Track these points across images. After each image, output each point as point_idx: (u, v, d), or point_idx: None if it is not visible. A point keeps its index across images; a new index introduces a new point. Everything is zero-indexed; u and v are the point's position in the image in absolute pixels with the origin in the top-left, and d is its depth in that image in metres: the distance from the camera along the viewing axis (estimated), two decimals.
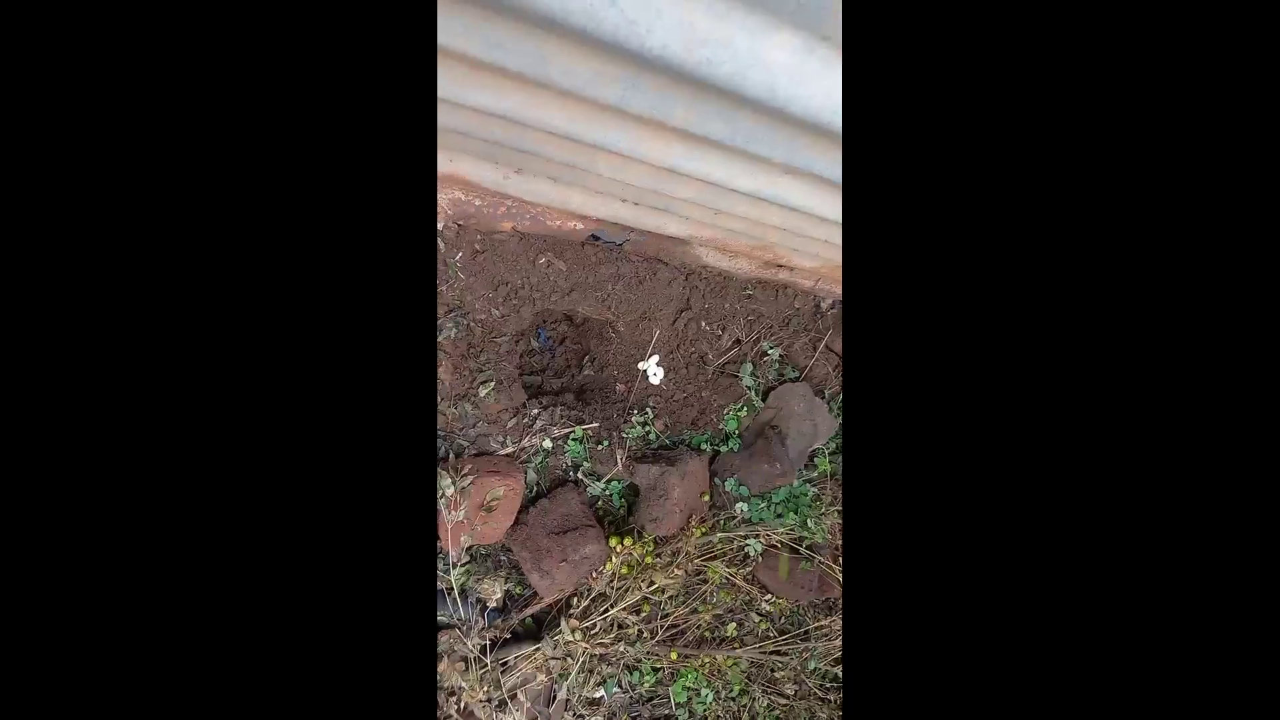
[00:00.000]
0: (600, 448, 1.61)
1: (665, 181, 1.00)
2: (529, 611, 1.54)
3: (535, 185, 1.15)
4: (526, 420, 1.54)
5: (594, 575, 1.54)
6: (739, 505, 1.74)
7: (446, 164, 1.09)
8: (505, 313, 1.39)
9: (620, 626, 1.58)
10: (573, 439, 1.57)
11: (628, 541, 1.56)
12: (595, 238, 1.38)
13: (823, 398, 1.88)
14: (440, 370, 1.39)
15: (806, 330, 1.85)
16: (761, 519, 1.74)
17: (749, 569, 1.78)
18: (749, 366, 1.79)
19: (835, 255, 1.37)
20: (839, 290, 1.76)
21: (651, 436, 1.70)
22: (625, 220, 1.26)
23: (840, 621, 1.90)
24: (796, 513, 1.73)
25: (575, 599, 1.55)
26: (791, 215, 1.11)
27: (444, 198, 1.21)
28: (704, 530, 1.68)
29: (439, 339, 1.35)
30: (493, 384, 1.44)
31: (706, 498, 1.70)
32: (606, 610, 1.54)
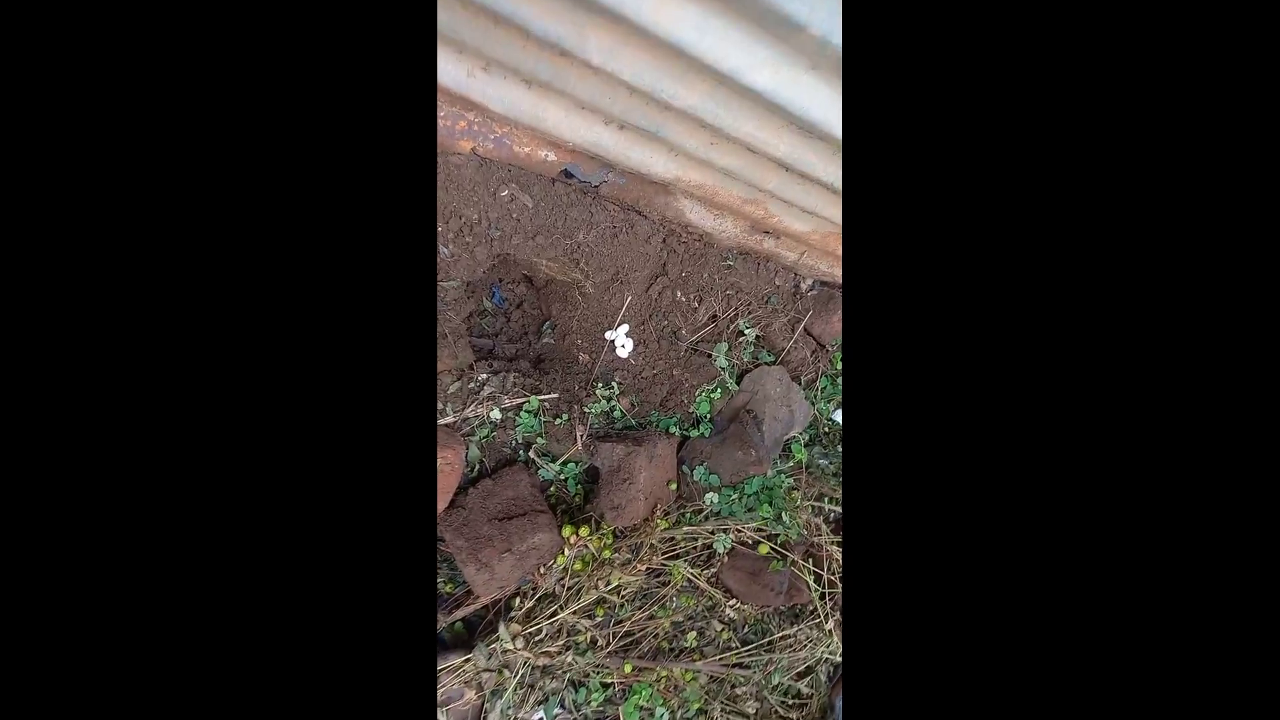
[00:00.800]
0: (557, 423, 1.41)
1: (665, 79, 0.83)
2: (460, 614, 1.31)
3: (505, 90, 0.96)
4: (473, 385, 1.32)
5: (541, 571, 1.33)
6: (708, 496, 1.57)
7: None
8: (456, 252, 1.18)
9: (570, 633, 1.37)
10: (526, 410, 1.36)
11: (584, 532, 1.35)
12: (568, 174, 1.19)
13: (799, 383, 1.74)
14: None
15: (785, 310, 1.72)
16: (732, 512, 1.58)
17: (714, 569, 1.60)
18: (724, 346, 1.64)
19: (832, 215, 1.23)
20: (823, 268, 1.64)
21: (616, 414, 1.51)
22: (606, 151, 1.09)
23: (806, 631, 1.75)
24: (770, 505, 1.57)
25: (518, 599, 1.33)
26: (799, 145, 0.96)
27: None
28: (668, 524, 1.49)
29: None
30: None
31: (674, 486, 1.52)
32: (555, 613, 1.33)
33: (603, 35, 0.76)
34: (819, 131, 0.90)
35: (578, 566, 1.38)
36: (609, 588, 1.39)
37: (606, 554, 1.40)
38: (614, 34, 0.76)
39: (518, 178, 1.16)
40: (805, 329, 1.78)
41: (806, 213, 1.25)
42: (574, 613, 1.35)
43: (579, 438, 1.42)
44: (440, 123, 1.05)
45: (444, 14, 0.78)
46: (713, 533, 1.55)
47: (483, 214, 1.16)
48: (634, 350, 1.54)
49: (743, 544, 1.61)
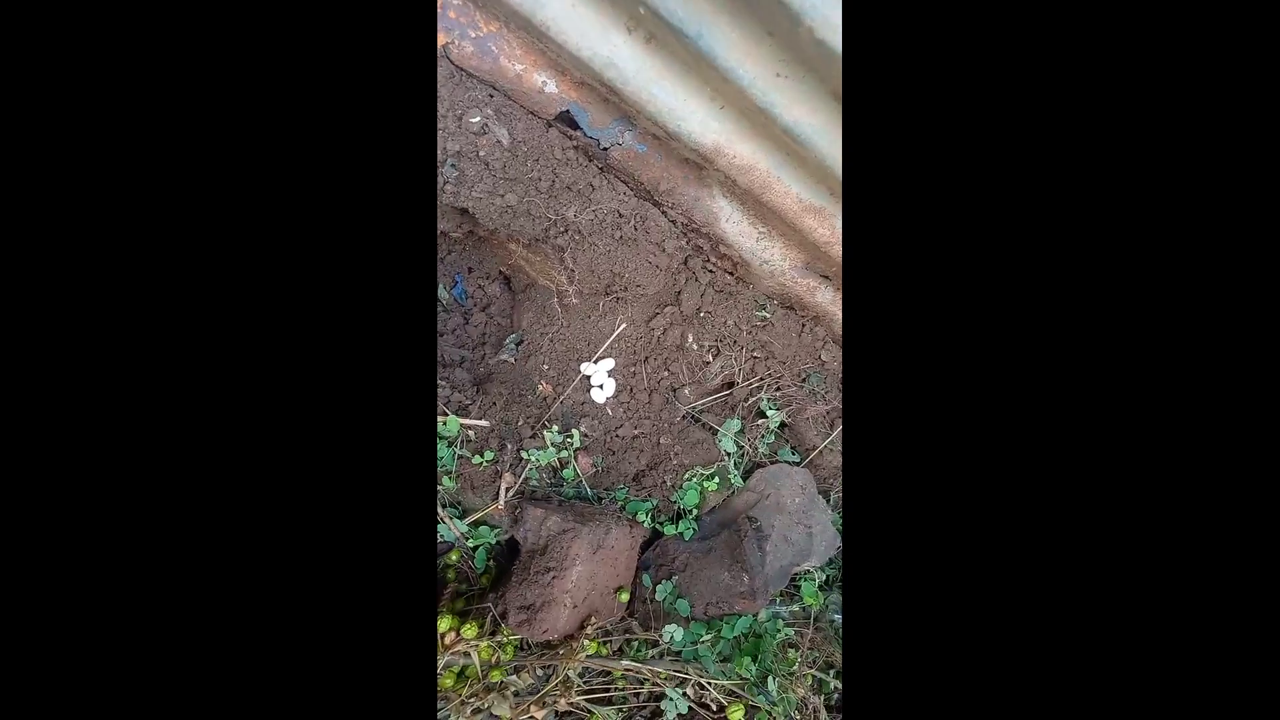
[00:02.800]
0: (478, 463, 1.00)
1: None
2: None
3: None
4: None
5: None
6: (668, 628, 1.09)
7: None
8: None
9: None
10: (442, 433, 0.96)
11: (469, 631, 0.90)
12: (570, 122, 0.87)
13: (828, 501, 1.29)
14: None
15: (826, 398, 1.30)
16: (697, 657, 1.09)
17: None
18: (736, 424, 1.23)
19: None
20: None
21: (568, 474, 1.09)
22: (624, 81, 0.76)
23: None
24: (755, 661, 1.07)
25: None
26: None
27: None
28: (600, 646, 1.02)
29: None
30: None
31: (624, 597, 1.06)
32: None
33: None
34: None
35: (447, 682, 0.91)
36: None
37: (496, 675, 0.93)
38: None
39: (498, 105, 0.84)
40: None
41: None
42: None
43: (503, 491, 1.00)
44: None
45: None
46: (665, 681, 1.06)
47: (440, 142, 0.84)
48: (615, 396, 1.15)
49: (704, 707, 1.10)
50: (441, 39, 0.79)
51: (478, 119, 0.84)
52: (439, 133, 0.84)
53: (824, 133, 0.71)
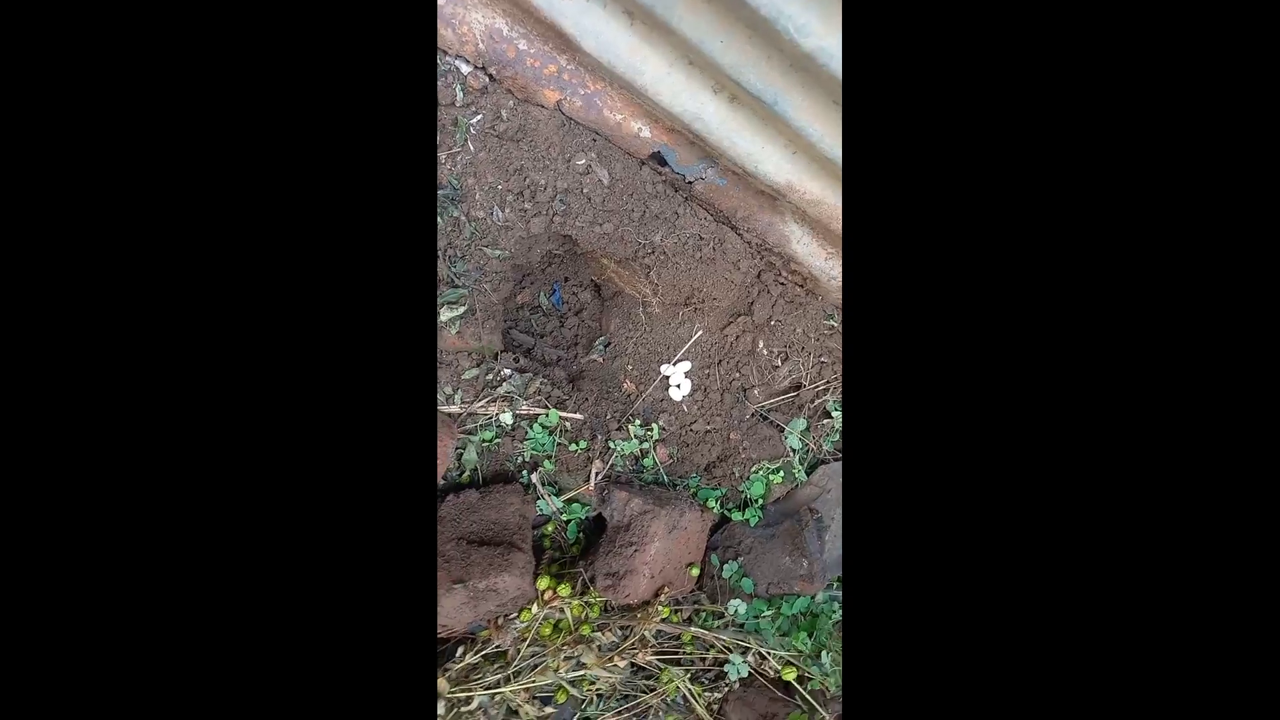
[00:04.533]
0: (573, 450, 1.17)
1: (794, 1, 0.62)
2: None
3: (602, 23, 0.79)
4: (491, 377, 1.12)
5: (499, 622, 1.06)
6: (733, 602, 1.23)
7: None
8: (511, 218, 1.01)
9: (509, 715, 1.07)
10: (542, 424, 1.14)
11: (564, 590, 1.08)
12: (661, 160, 1.00)
13: None
14: None
15: None
16: (758, 629, 1.22)
17: (720, 695, 1.23)
18: (801, 423, 1.33)
19: None
20: None
21: (648, 463, 1.24)
22: (709, 131, 0.88)
23: None
24: (810, 637, 1.20)
25: (462, 648, 1.06)
26: None
27: (479, 20, 0.86)
28: (672, 613, 1.17)
29: None
30: (463, 309, 1.04)
31: (695, 572, 1.20)
32: (499, 683, 1.04)
33: None
34: None
35: (545, 631, 1.09)
36: (576, 673, 1.08)
37: (586, 629, 1.11)
38: None
39: (600, 149, 0.98)
40: None
41: None
42: (524, 690, 1.06)
43: (593, 475, 1.17)
44: (528, 63, 0.90)
45: None
46: (728, 648, 1.20)
47: (550, 180, 0.99)
48: (690, 395, 1.28)
49: (763, 675, 1.23)
50: (554, 96, 0.94)
51: (583, 161, 0.99)
52: (551, 170, 0.99)
53: None
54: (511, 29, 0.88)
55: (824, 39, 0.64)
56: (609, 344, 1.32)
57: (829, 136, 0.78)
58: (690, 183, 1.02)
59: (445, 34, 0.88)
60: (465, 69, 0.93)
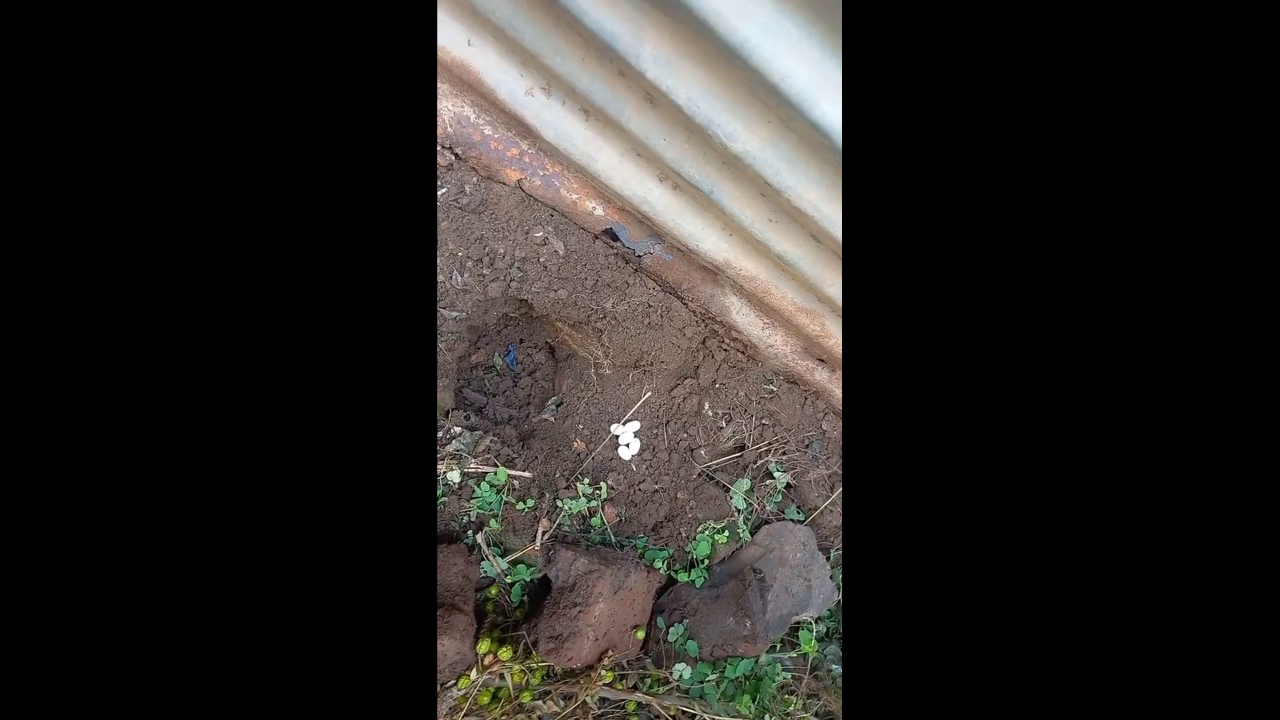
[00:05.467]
0: (520, 509, 1.18)
1: (723, 112, 0.72)
2: None
3: (560, 117, 0.89)
4: (441, 435, 1.14)
5: (437, 689, 1.02)
6: (678, 666, 1.23)
7: (463, 45, 0.84)
8: (470, 283, 1.07)
9: None
10: (489, 481, 1.15)
11: (505, 654, 1.06)
12: (613, 235, 1.09)
13: (828, 558, 1.42)
14: None
15: (827, 463, 1.46)
16: (703, 695, 1.22)
17: None
18: (746, 483, 1.38)
19: None
20: None
21: (595, 522, 1.26)
22: (656, 213, 0.98)
23: None
24: (754, 700, 1.20)
25: None
26: None
27: (448, 108, 0.95)
28: (617, 679, 1.16)
29: None
30: None
31: (640, 635, 1.20)
32: None
33: (661, 36, 0.67)
34: None
35: (483, 699, 1.06)
36: None
37: (526, 697, 1.08)
38: (673, 35, 0.67)
39: (557, 223, 1.06)
40: None
41: None
42: None
43: (540, 534, 1.18)
44: (492, 146, 0.99)
45: (506, 8, 0.73)
46: (673, 715, 1.19)
47: (510, 250, 1.06)
48: (639, 454, 1.33)
49: None
50: (516, 175, 1.03)
51: (541, 233, 1.06)
52: (510, 241, 1.06)
53: (807, 260, 0.90)
54: (478, 116, 0.97)
55: (748, 143, 0.74)
56: (561, 403, 1.36)
57: (758, 222, 0.88)
58: (640, 256, 1.11)
59: None
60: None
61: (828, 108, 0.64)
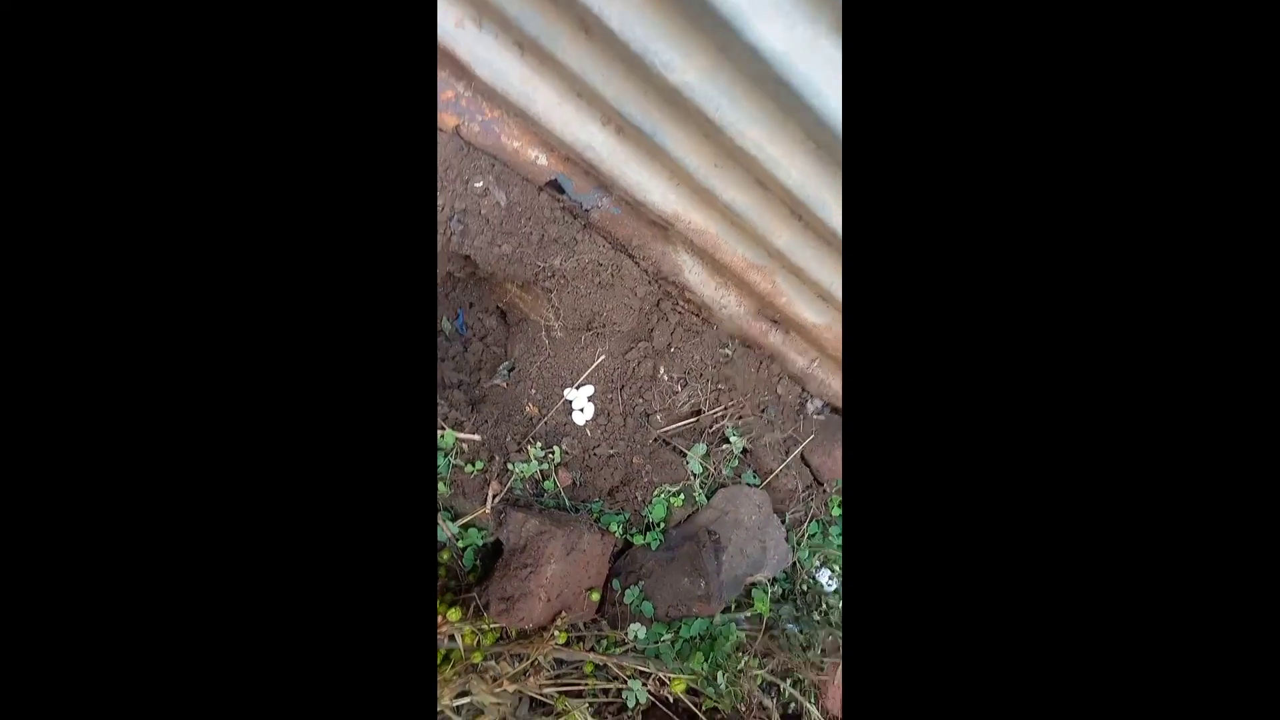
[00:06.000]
0: (470, 473, 1.15)
1: (659, 38, 0.69)
2: None
3: (494, 53, 0.85)
4: None
5: None
6: (633, 626, 1.23)
7: None
8: None
9: None
10: (439, 444, 1.12)
11: (453, 615, 1.04)
12: (558, 187, 1.05)
13: (783, 521, 1.43)
14: None
15: (783, 427, 1.46)
16: (658, 654, 1.22)
17: None
18: (701, 448, 1.38)
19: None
20: (835, 386, 1.40)
21: (549, 486, 1.24)
22: (600, 160, 0.95)
23: None
24: (708, 659, 1.21)
25: None
26: (815, 175, 0.79)
27: None
28: (574, 641, 1.15)
29: None
30: None
31: (595, 597, 1.20)
32: None
33: None
34: (840, 152, 0.73)
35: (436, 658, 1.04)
36: (462, 701, 1.03)
37: (477, 657, 1.07)
38: None
39: (498, 173, 1.03)
40: (802, 457, 1.50)
41: (820, 297, 1.06)
42: None
43: (490, 498, 1.15)
44: None
45: None
46: (628, 675, 1.19)
47: (449, 202, 1.02)
48: (593, 419, 1.31)
49: (664, 702, 1.22)
50: (453, 121, 0.99)
51: (481, 184, 1.02)
52: (449, 192, 1.02)
53: (755, 209, 0.89)
54: None
55: (685, 74, 0.72)
56: (513, 369, 1.33)
57: (704, 168, 0.86)
58: (587, 210, 1.08)
59: None
60: None
61: (763, 28, 0.61)
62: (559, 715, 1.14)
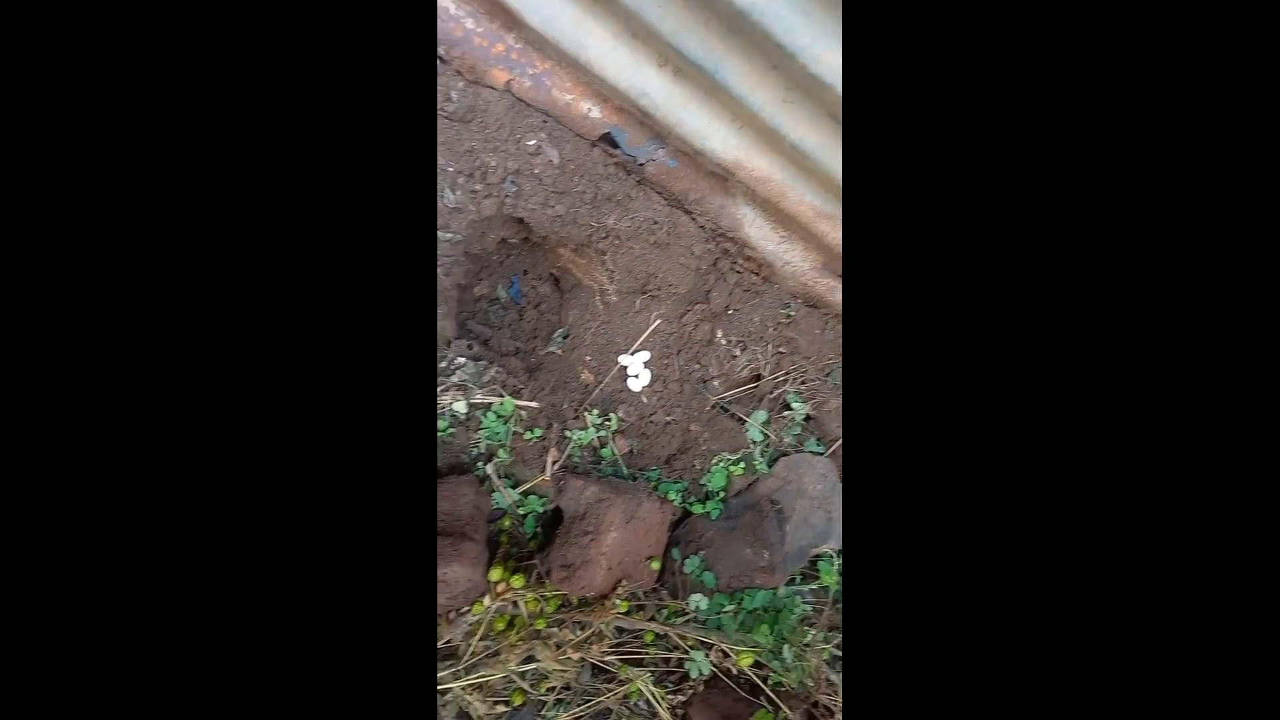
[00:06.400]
0: (528, 438, 1.14)
1: None
2: None
3: (546, 2, 0.80)
4: (445, 365, 1.10)
5: (450, 616, 1.01)
6: (694, 597, 1.20)
7: None
8: (462, 200, 1.01)
9: (460, 716, 1.02)
10: (496, 411, 1.11)
11: (516, 582, 1.04)
12: (611, 141, 1.00)
13: None
14: None
15: None
16: (720, 625, 1.19)
17: (684, 698, 1.19)
18: (762, 415, 1.33)
19: None
20: None
21: (606, 453, 1.22)
22: (656, 107, 0.89)
23: None
24: (772, 631, 1.17)
25: None
26: None
27: None
28: (634, 609, 1.14)
29: None
30: None
31: (655, 566, 1.17)
32: (448, 678, 0.99)
33: None
34: None
35: (499, 625, 1.05)
36: (527, 668, 1.03)
37: (540, 624, 1.07)
38: None
39: (550, 130, 0.99)
40: None
41: None
42: (475, 689, 1.01)
43: (549, 465, 1.14)
44: (475, 42, 0.91)
45: None
46: (690, 646, 1.17)
47: (501, 162, 0.99)
48: (649, 385, 1.27)
49: (726, 673, 1.20)
50: (504, 76, 0.95)
51: (533, 142, 0.99)
52: (501, 152, 0.99)
53: (827, 148, 0.82)
54: (458, 7, 0.88)
55: None
56: (568, 335, 1.31)
57: (771, 104, 0.80)
58: (641, 164, 1.03)
59: None
60: None
61: None
62: (621, 683, 1.14)
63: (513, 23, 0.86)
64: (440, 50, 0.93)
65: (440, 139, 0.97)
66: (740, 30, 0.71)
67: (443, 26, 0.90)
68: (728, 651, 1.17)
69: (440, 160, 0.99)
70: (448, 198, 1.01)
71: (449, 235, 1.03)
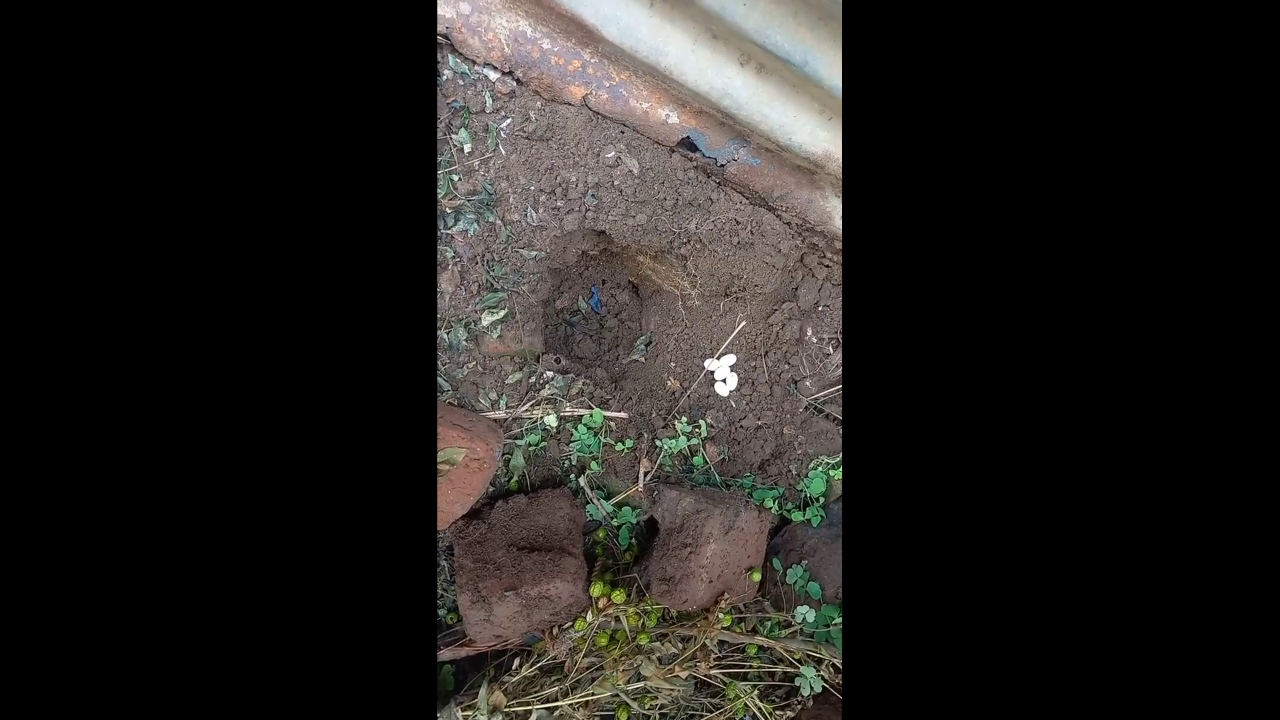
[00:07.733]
0: (619, 449, 1.13)
1: None
2: (447, 654, 1.03)
3: (625, 13, 0.79)
4: (534, 380, 1.11)
5: (554, 632, 1.02)
6: (800, 609, 1.15)
7: None
8: (545, 218, 1.01)
9: None
10: (586, 425, 1.11)
11: (618, 597, 1.03)
12: (691, 145, 0.98)
13: None
14: (442, 279, 1.02)
15: None
16: (829, 638, 1.13)
17: (792, 713, 1.14)
18: None
19: None
20: None
21: (698, 462, 1.20)
22: (738, 107, 0.86)
23: None
24: None
25: (518, 660, 1.02)
26: None
27: (503, 25, 0.88)
28: (735, 622, 1.10)
29: (450, 230, 0.99)
30: (503, 312, 1.04)
31: (756, 577, 1.14)
32: (555, 695, 1.00)
33: None
34: None
35: (601, 641, 1.04)
36: (634, 684, 1.02)
37: (644, 639, 1.05)
38: None
39: (629, 140, 0.98)
40: None
41: None
42: (582, 705, 1.01)
43: (641, 475, 1.13)
44: (552, 61, 0.91)
45: None
46: (797, 660, 1.12)
47: (581, 177, 0.99)
48: (736, 390, 1.24)
49: (838, 690, 1.14)
50: (580, 91, 0.95)
51: (612, 154, 0.98)
52: (581, 166, 0.99)
53: None
54: (535, 29, 0.89)
55: None
56: (650, 343, 1.30)
57: None
58: (722, 166, 1.00)
59: (472, 42, 0.90)
60: (493, 75, 0.94)
61: None
62: (728, 700, 1.10)
63: (589, 39, 0.85)
64: (518, 73, 0.94)
65: (521, 159, 0.99)
66: (833, 16, 0.67)
67: (520, 50, 0.90)
68: (838, 667, 1.12)
69: (522, 180, 1.00)
70: (531, 216, 1.02)
71: (533, 253, 1.04)
